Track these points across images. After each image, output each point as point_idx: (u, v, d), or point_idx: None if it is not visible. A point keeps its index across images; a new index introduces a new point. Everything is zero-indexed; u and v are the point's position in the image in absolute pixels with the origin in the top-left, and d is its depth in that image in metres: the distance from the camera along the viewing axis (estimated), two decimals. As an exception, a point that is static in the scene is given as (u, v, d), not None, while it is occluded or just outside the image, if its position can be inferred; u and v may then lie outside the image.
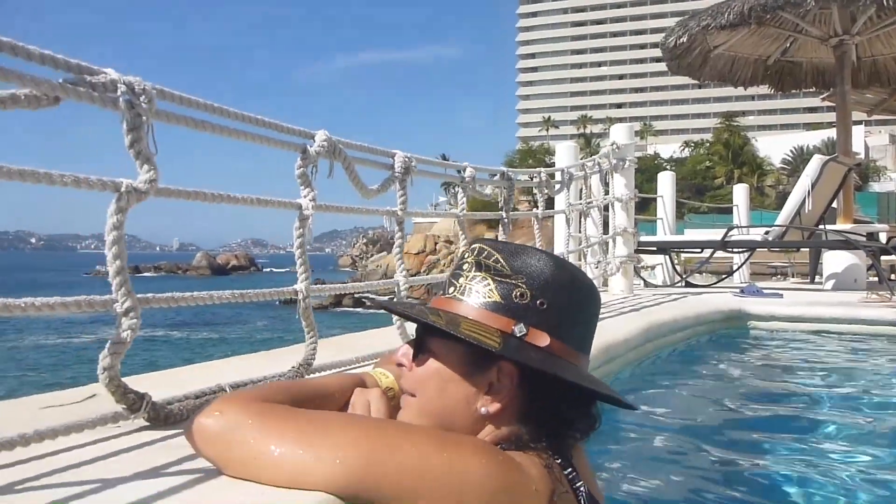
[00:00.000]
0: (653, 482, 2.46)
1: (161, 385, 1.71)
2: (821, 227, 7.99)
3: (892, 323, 5.03)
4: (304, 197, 2.00)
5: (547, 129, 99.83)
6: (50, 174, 1.33)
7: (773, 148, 56.87)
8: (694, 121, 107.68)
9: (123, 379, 1.48)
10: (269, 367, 2.02)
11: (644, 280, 8.35)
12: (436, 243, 48.91)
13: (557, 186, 4.49)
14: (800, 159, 48.87)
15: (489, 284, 1.17)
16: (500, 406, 1.15)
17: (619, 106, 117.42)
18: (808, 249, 9.56)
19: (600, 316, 1.29)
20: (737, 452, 2.81)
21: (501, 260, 1.19)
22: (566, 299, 1.18)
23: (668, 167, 48.58)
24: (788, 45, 10.11)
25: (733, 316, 5.41)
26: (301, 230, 2.01)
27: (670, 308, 5.06)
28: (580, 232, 5.73)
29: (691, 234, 11.52)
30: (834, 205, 8.60)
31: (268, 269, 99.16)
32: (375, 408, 1.28)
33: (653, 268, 9.44)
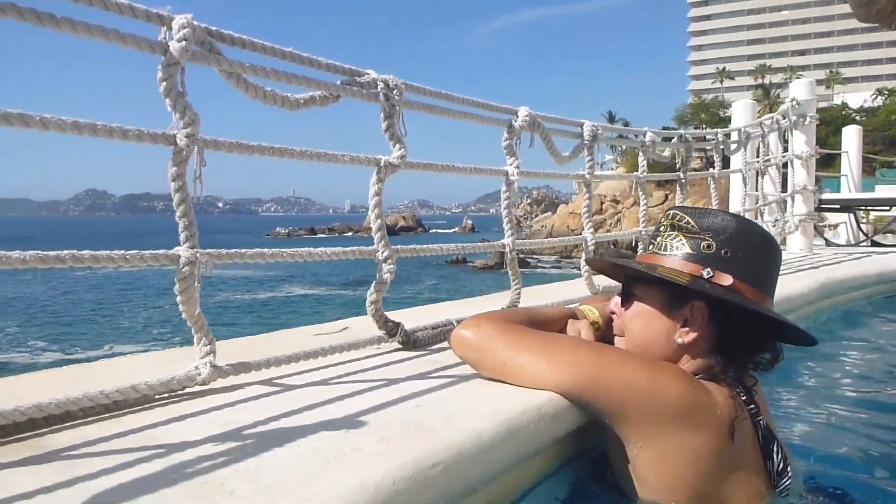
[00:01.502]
0: (821, 432, 2.59)
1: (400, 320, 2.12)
2: None
3: None
4: (510, 165, 2.35)
5: (721, 81, 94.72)
6: (335, 154, 1.77)
7: (983, 93, 50.98)
8: (888, 66, 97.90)
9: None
10: (481, 308, 2.40)
11: (826, 239, 8.11)
12: (602, 203, 48.37)
13: (734, 146, 4.57)
14: None
15: (682, 240, 1.48)
16: (694, 337, 1.45)
17: (803, 53, 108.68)
18: None
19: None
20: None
21: (691, 221, 1.50)
22: (746, 248, 1.47)
23: (857, 118, 44.91)
24: None
25: (920, 276, 5.22)
26: (507, 193, 2.37)
27: (850, 266, 5.00)
28: (756, 190, 5.73)
29: (883, 191, 10.88)
30: None
31: (433, 230, 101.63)
32: (585, 334, 1.64)
33: (836, 227, 9.09)
